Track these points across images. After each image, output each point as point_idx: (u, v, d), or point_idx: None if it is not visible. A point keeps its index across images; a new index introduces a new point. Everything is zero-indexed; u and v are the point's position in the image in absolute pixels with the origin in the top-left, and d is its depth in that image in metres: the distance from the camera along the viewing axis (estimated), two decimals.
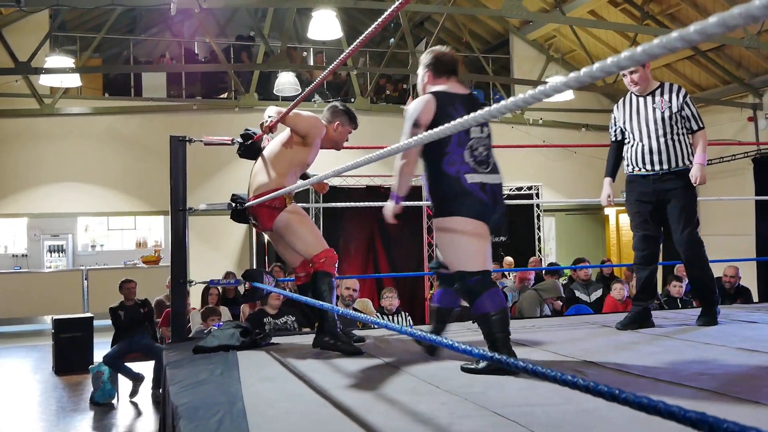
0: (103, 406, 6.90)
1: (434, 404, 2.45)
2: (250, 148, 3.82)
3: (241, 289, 4.05)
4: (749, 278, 9.46)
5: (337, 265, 3.59)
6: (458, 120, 1.39)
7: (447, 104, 2.94)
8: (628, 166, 4.21)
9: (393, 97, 13.52)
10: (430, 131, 1.67)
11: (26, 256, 15.66)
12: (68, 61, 10.08)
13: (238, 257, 12.04)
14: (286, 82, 11.61)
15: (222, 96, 12.71)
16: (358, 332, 4.02)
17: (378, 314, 6.21)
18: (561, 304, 7.36)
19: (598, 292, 7.68)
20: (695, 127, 4.06)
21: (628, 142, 4.18)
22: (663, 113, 4.04)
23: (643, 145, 4.09)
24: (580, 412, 2.28)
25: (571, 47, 13.14)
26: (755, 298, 9.06)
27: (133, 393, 7.12)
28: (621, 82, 12.84)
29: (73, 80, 10.36)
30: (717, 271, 7.78)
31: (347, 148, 3.91)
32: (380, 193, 8.81)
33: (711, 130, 11.31)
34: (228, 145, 4.11)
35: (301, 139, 3.60)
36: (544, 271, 8.54)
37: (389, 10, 1.79)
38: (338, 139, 3.78)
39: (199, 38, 13.27)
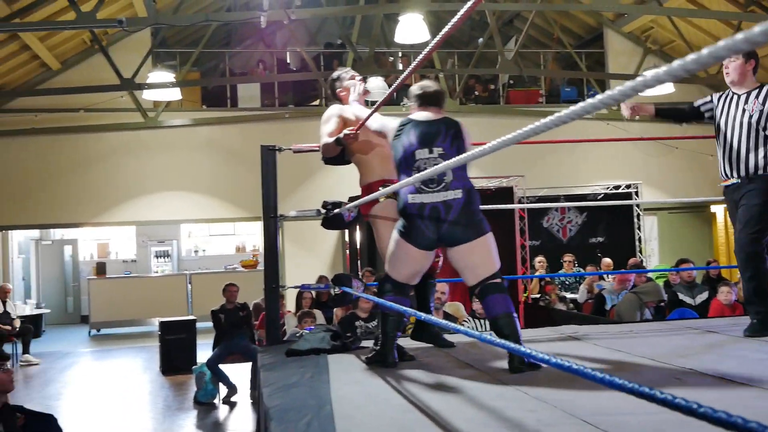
0: (205, 405, 7.19)
1: (522, 411, 2.39)
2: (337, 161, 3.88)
3: (332, 293, 4.10)
4: None
5: None
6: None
7: (403, 131, 3.32)
8: (720, 171, 3.99)
9: (482, 97, 13.37)
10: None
11: (135, 261, 16.51)
12: (169, 76, 10.58)
13: (332, 261, 12.25)
14: (375, 86, 11.71)
15: (313, 103, 12.98)
16: (448, 336, 3.99)
17: (469, 318, 6.16)
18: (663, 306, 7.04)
19: (704, 295, 7.30)
20: None
21: (717, 142, 3.96)
22: (751, 117, 3.75)
23: (724, 149, 3.86)
24: (679, 422, 2.15)
25: (670, 38, 12.60)
26: None
27: (227, 399, 7.35)
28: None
29: (174, 94, 10.86)
30: None
31: None
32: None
33: None
34: (316, 152, 4.18)
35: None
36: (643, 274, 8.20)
37: (462, 11, 1.76)
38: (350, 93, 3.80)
39: (291, 48, 13.61)
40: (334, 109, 3.75)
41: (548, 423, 2.25)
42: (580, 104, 1.23)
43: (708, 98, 4.07)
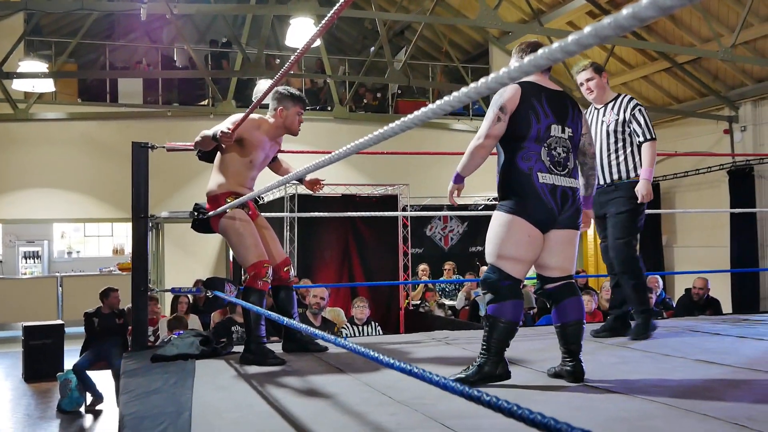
0: (70, 413, 6.80)
1: (383, 415, 2.43)
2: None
3: (206, 296, 4.00)
4: (723, 290, 9.52)
5: (269, 276, 3.55)
6: None
7: (532, 95, 2.91)
8: None
9: (372, 105, 13.51)
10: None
11: (1, 262, 15.48)
12: (42, 66, 9.98)
13: (214, 265, 11.97)
14: (263, 89, 11.57)
15: (201, 103, 12.66)
16: (321, 342, 3.98)
17: (348, 324, 6.18)
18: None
19: None
20: (641, 139, 4.05)
21: None
22: (608, 127, 4.10)
23: None
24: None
25: None
26: (729, 310, 9.13)
27: (91, 407, 7.00)
28: None
29: (47, 85, 10.27)
30: (688, 282, 7.87)
31: (321, 152, 3.93)
32: (355, 201, 8.77)
33: (688, 142, 11.41)
34: (191, 151, 4.08)
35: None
36: None
37: (329, 14, 1.77)
38: (288, 124, 3.75)
39: (177, 44, 13.21)
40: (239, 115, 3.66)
41: (407, 426, 2.29)
42: (422, 110, 1.26)
43: None
